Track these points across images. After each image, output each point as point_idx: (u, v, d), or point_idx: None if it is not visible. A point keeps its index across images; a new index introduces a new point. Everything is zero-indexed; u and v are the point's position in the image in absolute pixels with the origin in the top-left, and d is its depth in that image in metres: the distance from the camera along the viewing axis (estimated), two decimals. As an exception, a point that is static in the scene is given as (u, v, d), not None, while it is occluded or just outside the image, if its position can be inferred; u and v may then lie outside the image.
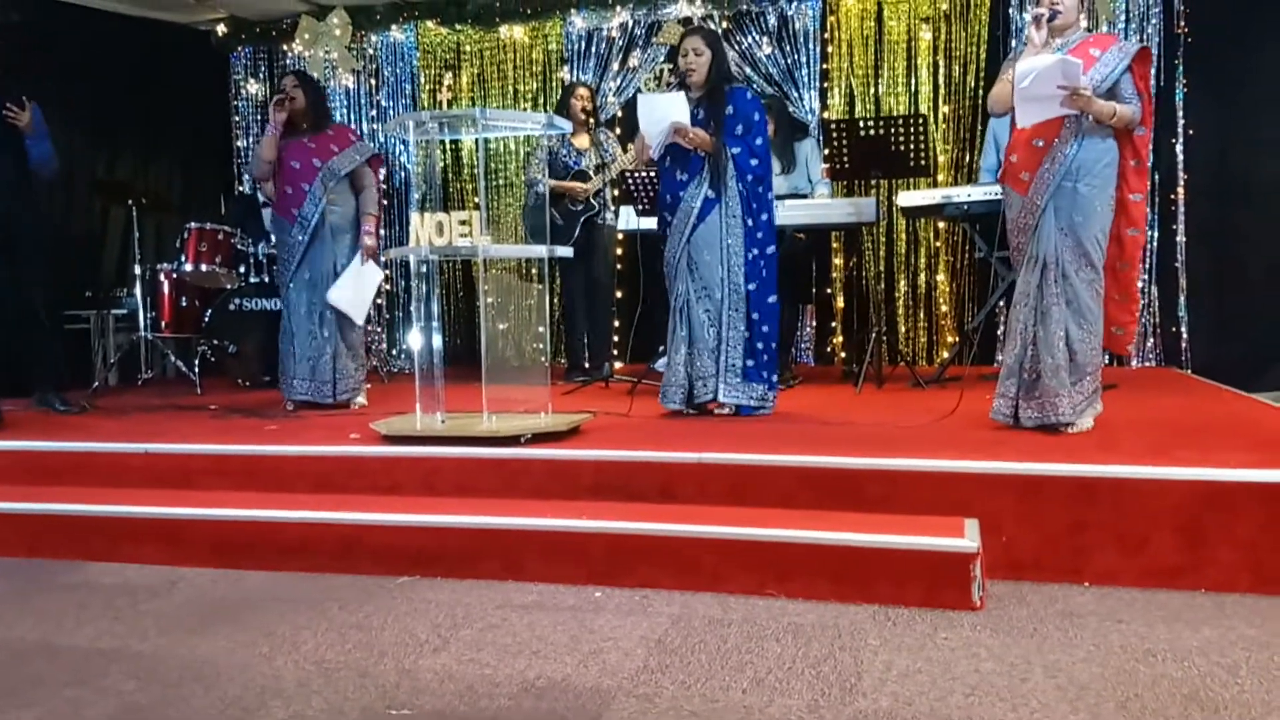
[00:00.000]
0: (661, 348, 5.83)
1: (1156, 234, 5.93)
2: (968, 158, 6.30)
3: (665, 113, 4.00)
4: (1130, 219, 3.50)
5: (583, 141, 5.65)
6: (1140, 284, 3.62)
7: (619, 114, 6.86)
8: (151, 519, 3.33)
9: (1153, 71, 3.74)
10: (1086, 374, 3.41)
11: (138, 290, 5.86)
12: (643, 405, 4.42)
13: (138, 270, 5.84)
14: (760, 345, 4.03)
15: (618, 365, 6.09)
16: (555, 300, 6.14)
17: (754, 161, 4.02)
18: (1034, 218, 3.44)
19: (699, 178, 4.03)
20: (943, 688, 2.12)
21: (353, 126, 7.32)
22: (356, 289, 4.71)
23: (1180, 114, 5.88)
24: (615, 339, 6.19)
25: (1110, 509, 2.80)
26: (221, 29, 7.41)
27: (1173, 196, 5.93)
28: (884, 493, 2.99)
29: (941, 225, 6.35)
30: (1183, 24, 5.89)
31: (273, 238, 5.99)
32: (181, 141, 7.33)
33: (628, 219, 5.69)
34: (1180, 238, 5.93)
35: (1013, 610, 2.59)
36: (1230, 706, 1.99)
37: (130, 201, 5.96)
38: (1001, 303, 5.81)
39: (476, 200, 7.13)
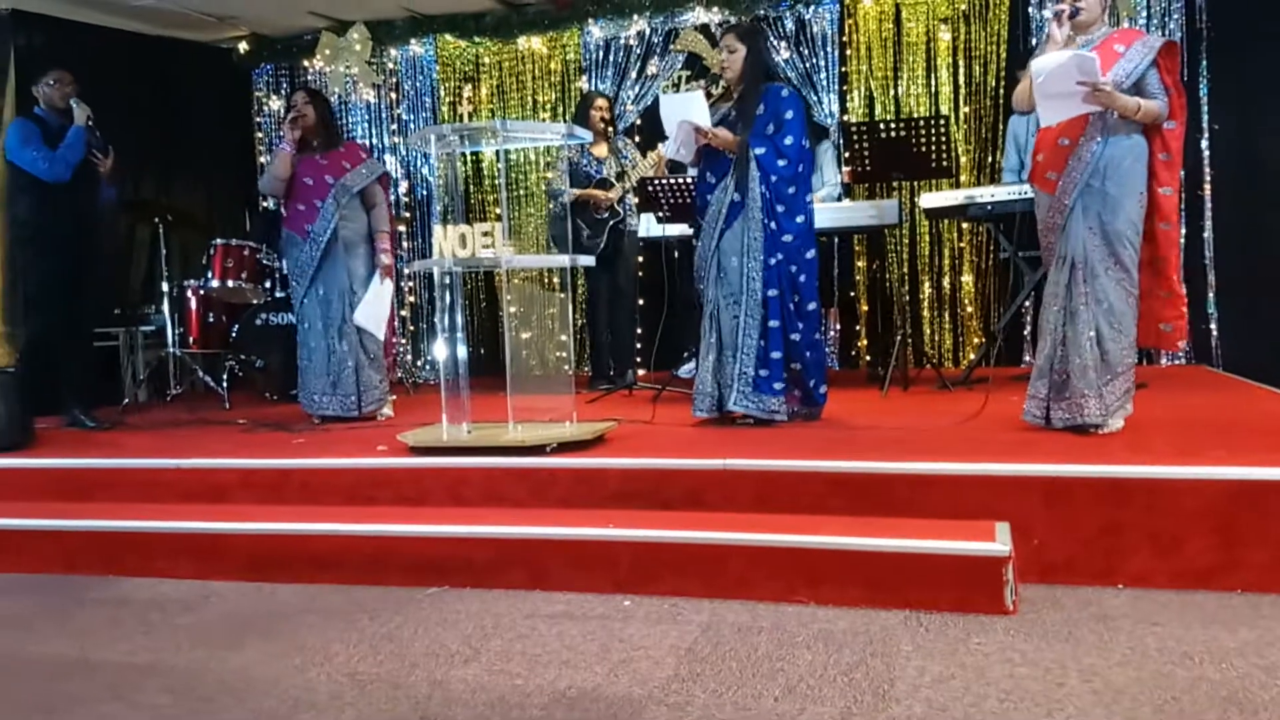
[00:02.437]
0: (685, 354, 5.84)
1: (1184, 231, 5.87)
2: (990, 158, 6.27)
3: (684, 112, 3.95)
4: (1162, 214, 3.45)
5: (601, 151, 5.66)
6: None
7: (638, 121, 6.87)
8: (183, 534, 3.36)
9: (1179, 65, 3.69)
10: (1118, 374, 3.38)
11: (165, 307, 5.92)
12: (667, 412, 4.41)
13: (165, 287, 5.90)
14: (778, 355, 3.90)
15: (640, 373, 6.09)
16: (578, 308, 6.15)
17: (781, 162, 3.89)
18: (1062, 217, 3.41)
19: (725, 180, 3.97)
20: (977, 693, 2.10)
21: (372, 141, 7.40)
22: (376, 305, 4.77)
23: (1204, 110, 5.82)
24: (638, 346, 6.19)
25: (1142, 510, 2.77)
26: (243, 46, 7.49)
27: (1199, 193, 5.87)
28: (913, 497, 2.97)
29: (965, 226, 6.31)
30: (1205, 19, 5.84)
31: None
32: (205, 159, 7.40)
33: (648, 226, 5.69)
34: (1208, 234, 5.86)
35: (1046, 614, 2.57)
36: (1270, 708, 1.96)
37: (156, 219, 6.02)
38: (1027, 303, 5.77)
39: (498, 211, 7.15)
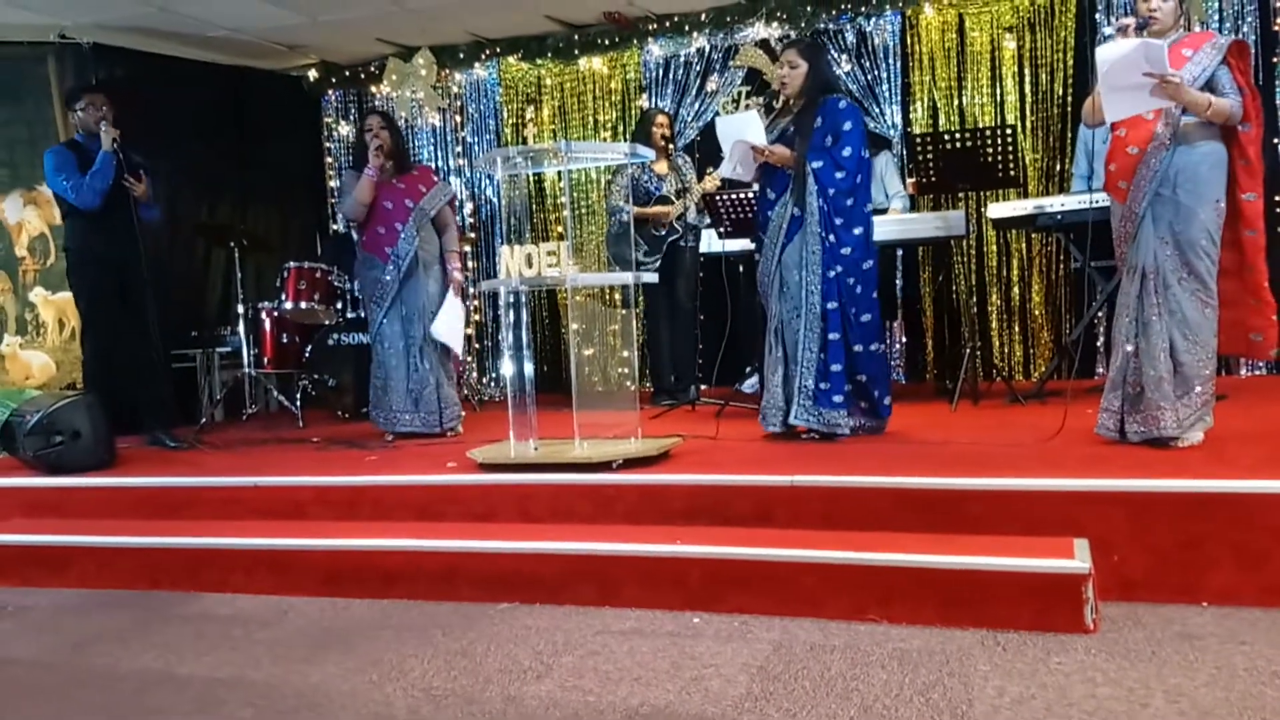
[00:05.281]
0: (748, 369, 5.82)
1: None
2: (1059, 166, 6.16)
3: (740, 131, 3.98)
4: (1246, 220, 3.36)
5: (662, 167, 5.69)
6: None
7: (697, 139, 6.89)
8: (261, 550, 3.44)
9: (1251, 66, 3.59)
10: (1194, 386, 3.29)
11: (240, 328, 6.08)
12: (730, 428, 4.40)
13: (240, 309, 6.06)
14: (839, 368, 3.88)
15: (703, 389, 6.08)
16: (639, 325, 6.16)
17: (838, 175, 3.89)
18: (1133, 226, 3.35)
19: (785, 196, 3.98)
20: (1058, 714, 2.06)
21: (438, 163, 7.53)
22: (453, 320, 4.86)
23: (1282, 113, 5.66)
24: (699, 362, 6.19)
25: (1227, 525, 2.70)
26: (313, 74, 7.68)
27: (1278, 199, 5.70)
28: (987, 513, 2.92)
29: (1034, 236, 6.20)
30: (1280, 20, 5.69)
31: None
32: (278, 184, 7.59)
33: (709, 242, 5.70)
34: (1291, 240, 5.68)
35: (1128, 632, 2.51)
36: (1370, 733, 1.89)
37: (231, 243, 6.19)
38: (1100, 314, 5.65)
39: (560, 230, 7.22)
